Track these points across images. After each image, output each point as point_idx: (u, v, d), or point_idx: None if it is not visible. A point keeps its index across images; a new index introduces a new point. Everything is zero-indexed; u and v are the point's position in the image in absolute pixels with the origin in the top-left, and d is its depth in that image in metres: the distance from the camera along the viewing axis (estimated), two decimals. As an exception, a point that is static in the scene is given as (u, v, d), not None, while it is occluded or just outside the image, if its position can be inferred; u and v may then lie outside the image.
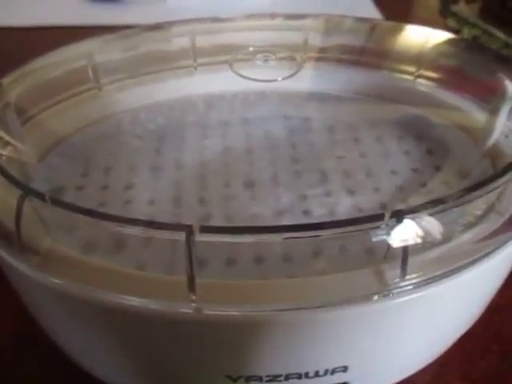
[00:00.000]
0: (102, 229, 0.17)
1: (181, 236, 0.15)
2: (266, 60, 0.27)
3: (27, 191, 0.17)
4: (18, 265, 0.17)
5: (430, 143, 0.25)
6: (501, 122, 0.23)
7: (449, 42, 0.28)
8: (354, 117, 0.27)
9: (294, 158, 0.24)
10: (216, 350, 0.17)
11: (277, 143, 0.25)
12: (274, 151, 0.25)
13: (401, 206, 0.17)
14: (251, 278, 0.18)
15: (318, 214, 0.21)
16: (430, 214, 0.16)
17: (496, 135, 0.23)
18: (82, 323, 0.18)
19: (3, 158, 0.20)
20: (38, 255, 0.17)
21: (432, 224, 0.16)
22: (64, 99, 0.26)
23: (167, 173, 0.24)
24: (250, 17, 0.30)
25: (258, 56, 0.27)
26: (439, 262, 0.17)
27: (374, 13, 0.57)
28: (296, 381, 0.18)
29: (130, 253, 0.18)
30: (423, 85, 0.27)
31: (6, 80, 0.23)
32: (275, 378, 0.18)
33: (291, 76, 0.27)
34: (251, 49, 0.27)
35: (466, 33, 0.59)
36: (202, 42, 0.29)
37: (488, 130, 0.23)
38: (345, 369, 0.18)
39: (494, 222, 0.18)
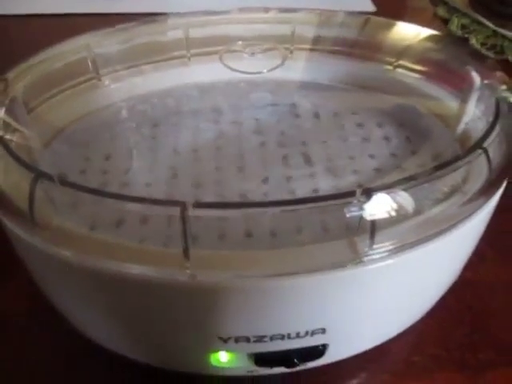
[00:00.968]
0: (105, 206, 0.19)
1: (176, 211, 0.17)
2: (253, 53, 0.29)
3: (39, 174, 0.18)
4: (32, 239, 0.19)
5: (408, 130, 0.27)
6: (470, 110, 0.25)
7: (430, 37, 0.29)
8: (338, 105, 0.29)
9: (281, 142, 0.26)
10: (208, 314, 0.19)
11: (265, 129, 0.27)
12: (262, 136, 0.27)
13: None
14: (240, 249, 0.19)
15: (302, 193, 0.23)
16: (396, 191, 0.18)
17: (465, 121, 0.25)
18: (87, 291, 0.20)
19: (13, 143, 0.22)
20: (48, 231, 0.19)
21: (399, 200, 0.18)
22: (66, 89, 0.27)
23: (163, 157, 0.25)
24: (243, 10, 0.32)
25: (248, 48, 0.29)
26: (408, 234, 0.19)
27: (367, 2, 0.59)
28: (279, 341, 0.20)
29: (131, 228, 0.20)
30: (404, 75, 0.29)
31: (11, 75, 0.25)
32: (261, 338, 0.20)
33: (277, 67, 0.28)
34: (240, 43, 0.29)
35: (456, 21, 0.60)
36: (196, 33, 0.30)
37: (459, 117, 0.25)
38: (323, 331, 0.20)
39: (458, 200, 0.20)
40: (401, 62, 0.29)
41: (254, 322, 0.19)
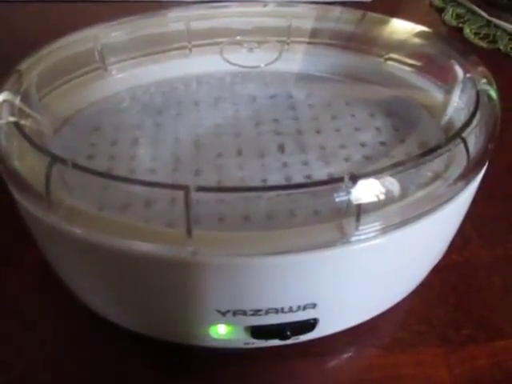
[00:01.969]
0: (114, 188, 0.21)
1: (180, 195, 0.19)
2: (251, 47, 0.30)
3: (54, 158, 0.20)
4: (47, 218, 0.20)
5: (397, 119, 0.29)
6: (453, 101, 0.26)
7: (420, 33, 0.31)
8: (332, 96, 0.31)
9: (277, 131, 0.28)
10: (208, 289, 0.21)
11: (262, 118, 0.29)
12: (260, 125, 0.28)
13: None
14: (238, 230, 0.21)
15: (296, 179, 0.25)
16: (382, 177, 0.20)
17: (449, 112, 0.26)
18: (96, 267, 0.22)
19: (27, 128, 0.23)
20: (62, 211, 0.20)
21: (385, 185, 0.20)
22: (74, 78, 0.29)
23: (166, 144, 0.27)
24: (242, 4, 0.33)
25: (246, 42, 0.30)
26: (394, 216, 0.21)
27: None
28: (274, 315, 0.22)
29: (137, 210, 0.22)
30: (395, 68, 0.31)
31: (24, 65, 0.27)
32: (257, 312, 0.22)
33: (274, 61, 0.30)
34: (238, 37, 0.31)
35: (451, 11, 0.61)
36: (197, 26, 0.32)
37: (444, 108, 0.27)
38: (314, 306, 0.22)
39: (440, 185, 0.22)
40: (392, 56, 0.30)
41: (250, 297, 0.21)
